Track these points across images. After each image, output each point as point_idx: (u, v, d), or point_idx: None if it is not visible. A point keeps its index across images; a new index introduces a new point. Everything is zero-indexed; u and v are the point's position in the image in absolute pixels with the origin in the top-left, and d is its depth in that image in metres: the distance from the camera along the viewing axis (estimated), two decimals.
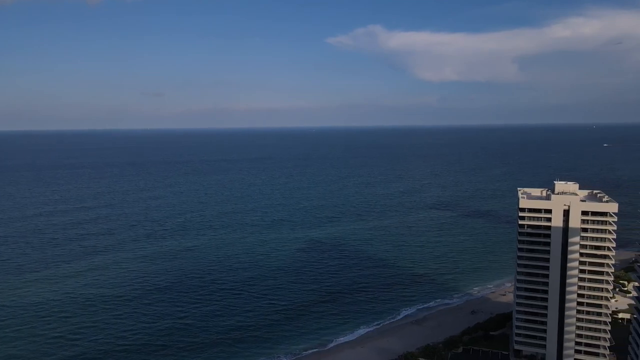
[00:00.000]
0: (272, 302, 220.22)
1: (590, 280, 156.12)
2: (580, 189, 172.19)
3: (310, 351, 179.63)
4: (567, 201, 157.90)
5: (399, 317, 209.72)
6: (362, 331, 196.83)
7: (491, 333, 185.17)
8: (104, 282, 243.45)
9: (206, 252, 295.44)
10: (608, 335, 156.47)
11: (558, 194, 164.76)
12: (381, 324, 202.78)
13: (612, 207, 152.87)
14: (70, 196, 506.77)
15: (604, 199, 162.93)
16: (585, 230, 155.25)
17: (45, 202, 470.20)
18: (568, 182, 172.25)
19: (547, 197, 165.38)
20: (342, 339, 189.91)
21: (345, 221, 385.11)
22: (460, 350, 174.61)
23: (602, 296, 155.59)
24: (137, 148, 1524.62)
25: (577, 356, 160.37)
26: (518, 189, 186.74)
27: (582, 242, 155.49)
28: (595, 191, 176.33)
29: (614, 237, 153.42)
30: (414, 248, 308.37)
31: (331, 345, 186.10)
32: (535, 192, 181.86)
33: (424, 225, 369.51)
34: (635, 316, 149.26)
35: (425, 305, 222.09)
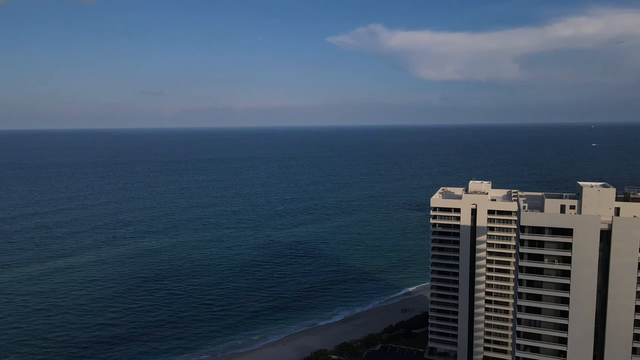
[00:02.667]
0: (210, 302, 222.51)
1: (497, 278, 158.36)
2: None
3: (235, 351, 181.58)
4: (475, 200, 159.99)
5: (334, 317, 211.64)
6: (292, 330, 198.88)
7: (414, 331, 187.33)
8: (48, 289, 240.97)
9: (162, 255, 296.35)
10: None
11: (470, 193, 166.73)
12: (314, 324, 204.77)
13: (515, 207, 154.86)
14: (44, 198, 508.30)
15: (513, 198, 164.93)
16: (491, 229, 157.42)
17: (17, 203, 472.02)
18: (483, 182, 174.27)
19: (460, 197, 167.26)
20: (272, 339, 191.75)
21: (311, 222, 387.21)
22: (378, 347, 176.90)
23: (508, 294, 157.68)
24: (129, 147, 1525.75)
25: (486, 353, 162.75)
26: (442, 187, 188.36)
27: (489, 241, 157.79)
28: (513, 191, 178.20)
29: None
30: (370, 248, 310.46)
31: (260, 344, 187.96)
32: (458, 191, 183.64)
33: (387, 226, 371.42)
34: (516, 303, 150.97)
35: (363, 304, 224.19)
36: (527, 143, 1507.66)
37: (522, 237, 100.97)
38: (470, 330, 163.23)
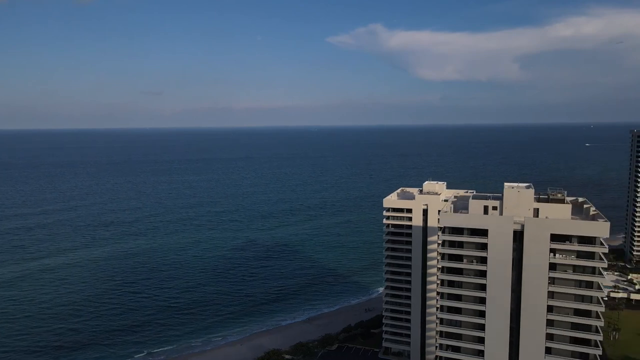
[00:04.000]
0: (178, 304, 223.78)
1: None
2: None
3: (191, 351, 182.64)
4: (427, 201, 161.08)
5: (298, 317, 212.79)
6: (254, 330, 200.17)
7: (372, 330, 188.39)
8: (17, 292, 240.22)
9: (137, 257, 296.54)
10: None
11: (424, 194, 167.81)
12: (277, 324, 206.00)
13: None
14: (31, 199, 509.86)
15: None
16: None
17: (2, 204, 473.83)
18: (438, 182, 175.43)
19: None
20: (232, 339, 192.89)
21: (293, 223, 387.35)
22: (334, 347, 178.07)
23: None
24: (125, 147, 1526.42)
25: (439, 353, 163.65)
26: (401, 188, 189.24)
27: (439, 241, 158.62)
28: (469, 191, 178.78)
29: None
30: (347, 249, 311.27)
31: (219, 344, 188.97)
32: (415, 191, 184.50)
33: (368, 227, 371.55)
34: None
35: (330, 305, 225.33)
36: (523, 143, 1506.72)
37: (441, 237, 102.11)
38: (423, 330, 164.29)
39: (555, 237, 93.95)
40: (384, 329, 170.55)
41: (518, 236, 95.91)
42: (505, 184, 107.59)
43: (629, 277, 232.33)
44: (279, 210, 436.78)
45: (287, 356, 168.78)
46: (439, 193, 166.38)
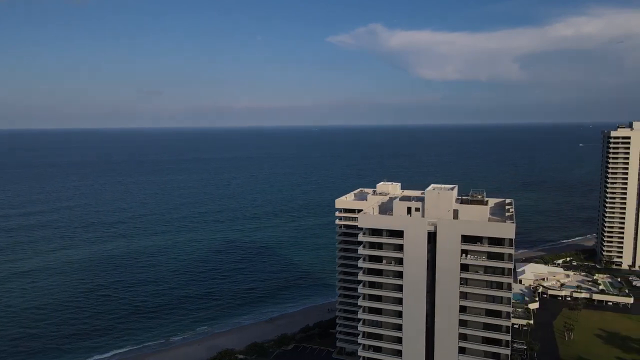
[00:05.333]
0: (144, 304, 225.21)
1: None
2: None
3: (146, 352, 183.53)
4: (377, 202, 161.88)
5: (261, 317, 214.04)
6: (215, 330, 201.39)
7: (331, 330, 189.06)
8: None
9: (112, 259, 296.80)
10: None
11: (377, 194, 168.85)
12: (239, 323, 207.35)
13: None
14: (15, 200, 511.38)
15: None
16: None
17: None
18: (392, 183, 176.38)
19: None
20: (191, 339, 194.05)
21: (274, 225, 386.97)
22: (290, 347, 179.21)
23: None
24: (121, 147, 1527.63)
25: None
26: (360, 189, 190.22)
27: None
28: (422, 192, 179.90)
29: None
30: (322, 250, 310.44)
31: (178, 344, 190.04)
32: (370, 192, 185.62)
33: None
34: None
35: (296, 305, 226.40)
36: (520, 143, 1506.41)
37: (361, 238, 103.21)
38: None
39: (467, 239, 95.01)
40: (338, 329, 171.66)
41: (432, 237, 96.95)
42: (433, 185, 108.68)
43: (594, 278, 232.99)
44: (263, 212, 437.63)
45: (240, 356, 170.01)
46: (390, 194, 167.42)
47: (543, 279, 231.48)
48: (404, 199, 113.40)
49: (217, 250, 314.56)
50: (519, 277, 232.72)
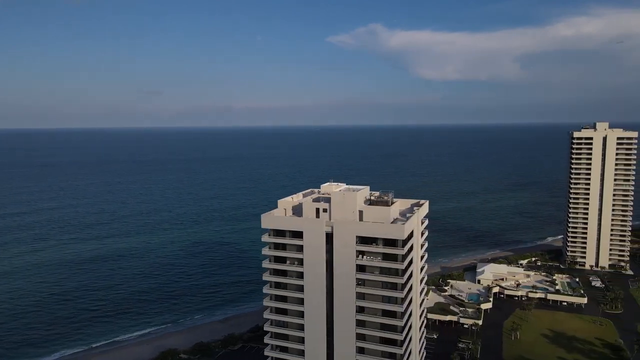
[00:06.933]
0: (101, 304, 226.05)
1: None
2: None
3: (93, 351, 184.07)
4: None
5: (214, 317, 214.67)
6: (168, 330, 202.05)
7: None
8: None
9: (80, 262, 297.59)
10: None
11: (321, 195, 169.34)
12: (193, 324, 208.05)
13: None
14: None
15: None
16: None
17: None
18: (338, 183, 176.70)
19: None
20: (142, 338, 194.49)
21: (247, 226, 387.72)
22: (237, 347, 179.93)
23: None
24: (118, 147, 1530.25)
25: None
26: (311, 189, 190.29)
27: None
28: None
29: None
30: None
31: (126, 343, 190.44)
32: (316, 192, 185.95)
33: None
34: None
35: (255, 306, 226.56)
36: (520, 143, 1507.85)
37: (264, 239, 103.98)
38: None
39: (364, 240, 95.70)
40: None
41: (330, 238, 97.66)
42: (352, 186, 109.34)
43: (553, 278, 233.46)
44: (243, 214, 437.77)
45: (184, 356, 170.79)
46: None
47: (502, 279, 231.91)
48: (317, 200, 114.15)
49: (188, 251, 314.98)
50: (478, 277, 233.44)
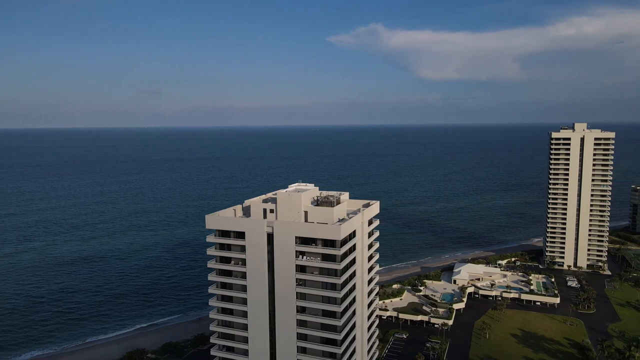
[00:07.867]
0: (76, 305, 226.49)
1: None
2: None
3: (63, 351, 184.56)
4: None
5: (190, 317, 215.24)
6: (142, 330, 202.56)
7: None
8: None
9: (59, 263, 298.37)
10: None
11: None
12: (168, 322, 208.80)
13: None
14: None
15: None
16: None
17: None
18: (307, 184, 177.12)
19: None
20: (113, 338, 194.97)
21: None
22: (206, 347, 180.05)
23: None
24: (114, 146, 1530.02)
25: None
26: (277, 190, 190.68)
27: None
28: (343, 193, 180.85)
29: None
30: None
31: (97, 344, 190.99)
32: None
33: None
34: None
35: None
36: (520, 143, 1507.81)
37: (209, 239, 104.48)
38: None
39: (304, 240, 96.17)
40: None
41: (271, 239, 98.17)
42: (294, 185, 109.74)
43: (529, 278, 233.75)
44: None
45: (151, 355, 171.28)
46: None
47: (478, 279, 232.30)
48: (266, 200, 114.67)
49: (172, 253, 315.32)
50: (454, 277, 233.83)
